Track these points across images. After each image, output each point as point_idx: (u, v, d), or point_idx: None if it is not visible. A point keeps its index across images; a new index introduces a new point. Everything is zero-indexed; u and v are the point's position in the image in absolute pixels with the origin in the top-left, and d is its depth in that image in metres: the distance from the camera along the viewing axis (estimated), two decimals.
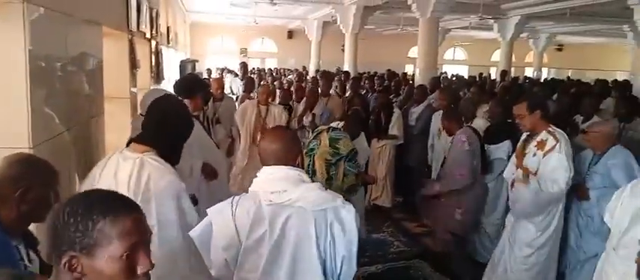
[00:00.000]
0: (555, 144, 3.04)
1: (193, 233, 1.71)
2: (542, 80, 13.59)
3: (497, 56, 14.17)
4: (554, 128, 3.16)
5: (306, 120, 5.39)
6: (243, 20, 15.51)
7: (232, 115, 5.15)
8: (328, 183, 3.08)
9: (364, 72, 11.73)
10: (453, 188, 3.79)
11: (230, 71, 9.95)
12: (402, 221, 5.30)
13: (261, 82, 10.04)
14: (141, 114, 2.89)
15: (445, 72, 17.35)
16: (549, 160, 3.05)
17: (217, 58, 17.86)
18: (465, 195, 3.80)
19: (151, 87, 5.05)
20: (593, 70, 19.08)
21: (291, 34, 20.00)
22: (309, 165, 3.20)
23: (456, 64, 22.67)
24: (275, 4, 10.17)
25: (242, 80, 8.17)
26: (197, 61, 12.33)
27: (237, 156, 5.03)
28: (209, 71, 12.56)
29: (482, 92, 6.82)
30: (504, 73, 11.90)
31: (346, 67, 11.16)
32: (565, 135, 3.15)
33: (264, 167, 1.76)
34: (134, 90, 4.30)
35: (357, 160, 3.35)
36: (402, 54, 19.85)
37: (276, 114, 5.07)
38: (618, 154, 3.23)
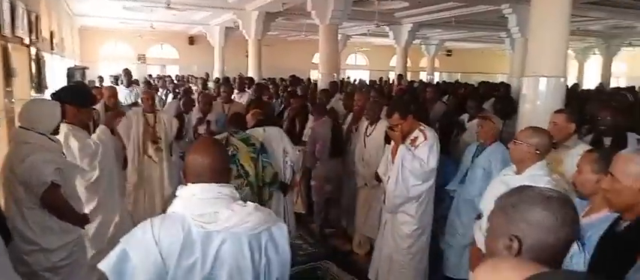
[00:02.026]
0: (424, 140, 3.39)
1: (105, 266, 1.47)
2: (434, 83, 14.66)
3: (394, 61, 14.99)
4: (425, 126, 3.54)
5: (201, 127, 5.22)
6: (139, 25, 14.68)
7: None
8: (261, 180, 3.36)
9: (265, 79, 11.75)
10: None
11: (116, 77, 9.27)
12: (310, 223, 5.38)
13: (161, 91, 9.60)
14: (21, 127, 2.63)
15: (348, 77, 18.01)
16: (418, 154, 3.41)
17: (112, 65, 16.70)
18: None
19: (32, 98, 4.58)
20: (479, 73, 21.03)
21: (192, 40, 19.34)
22: (238, 170, 3.24)
23: (357, 68, 23.59)
24: (171, 8, 9.77)
25: (127, 87, 7.74)
26: (87, 68, 11.40)
27: (128, 170, 4.66)
28: (101, 79, 11.73)
29: (381, 95, 7.17)
30: (400, 77, 12.66)
31: (250, 73, 11.07)
32: (433, 131, 3.56)
33: (189, 185, 1.58)
34: (12, 101, 3.87)
35: (267, 152, 3.55)
36: (306, 60, 20.19)
37: (166, 122, 4.82)
38: (498, 149, 3.59)
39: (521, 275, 0.62)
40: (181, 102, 5.90)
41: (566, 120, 3.04)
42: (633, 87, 12.63)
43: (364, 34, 15.37)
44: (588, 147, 3.06)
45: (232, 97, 6.48)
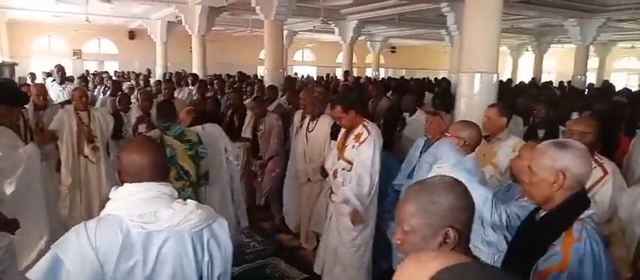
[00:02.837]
0: (368, 136, 3.45)
1: (35, 274, 1.40)
2: (379, 79, 15.01)
3: (341, 58, 15.18)
4: (368, 122, 3.59)
5: (142, 126, 5.06)
6: (74, 18, 13.91)
7: None
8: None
9: (211, 75, 11.51)
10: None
11: (49, 74, 8.78)
12: (258, 221, 5.36)
13: (98, 88, 9.19)
14: None
15: (296, 73, 18.02)
16: (363, 149, 3.45)
17: (45, 61, 15.72)
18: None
19: None
20: (423, 69, 21.72)
21: (132, 35, 18.56)
22: (178, 172, 3.18)
23: (305, 64, 23.65)
24: (109, 1, 9.34)
25: (60, 84, 7.35)
26: (16, 64, 10.67)
27: (62, 172, 4.45)
28: (33, 76, 11.02)
29: (328, 91, 7.24)
30: (347, 74, 12.84)
31: (195, 70, 10.80)
32: (376, 127, 3.63)
33: (126, 185, 1.53)
34: None
35: (203, 143, 3.52)
36: (254, 55, 19.98)
37: (101, 119, 4.64)
38: (444, 144, 3.73)
39: (443, 264, 0.66)
40: (117, 99, 5.68)
41: (498, 115, 3.22)
42: (562, 82, 13.55)
43: (310, 31, 15.42)
44: (518, 140, 3.27)
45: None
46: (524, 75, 19.17)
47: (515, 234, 1.82)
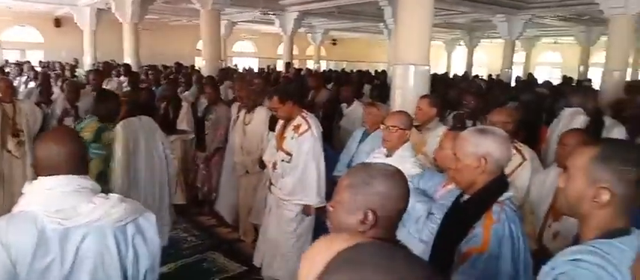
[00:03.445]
0: (307, 128, 3.46)
1: None
2: (321, 71, 15.09)
3: (282, 49, 15.10)
4: (307, 113, 3.59)
5: (69, 118, 4.78)
6: None
7: None
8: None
9: (146, 66, 11.04)
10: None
11: None
12: (196, 215, 5.23)
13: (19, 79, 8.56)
14: None
15: (235, 65, 17.71)
16: (304, 142, 3.45)
17: None
18: None
19: None
20: (364, 61, 22.07)
21: (59, 22, 17.35)
22: None
23: (245, 56, 23.29)
24: None
25: None
26: None
27: None
28: None
29: (267, 83, 7.18)
30: (288, 65, 12.81)
31: (126, 60, 10.29)
32: (315, 118, 3.63)
33: (41, 178, 1.45)
34: None
35: (103, 143, 3.28)
36: (192, 46, 19.35)
37: (29, 112, 4.37)
38: (380, 134, 3.81)
39: (349, 244, 0.67)
40: (38, 90, 5.32)
41: (428, 105, 3.34)
42: (490, 75, 14.32)
43: (250, 21, 15.20)
44: (447, 129, 3.42)
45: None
46: (458, 69, 20.06)
47: (442, 219, 1.90)
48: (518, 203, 2.68)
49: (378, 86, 6.67)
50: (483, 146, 1.69)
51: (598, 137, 3.19)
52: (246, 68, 15.29)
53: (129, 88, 6.52)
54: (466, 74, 15.01)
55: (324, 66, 21.29)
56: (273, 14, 12.96)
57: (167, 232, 4.29)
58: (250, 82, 5.62)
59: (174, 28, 18.73)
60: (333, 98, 6.21)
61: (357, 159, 3.73)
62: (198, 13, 8.36)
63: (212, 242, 4.59)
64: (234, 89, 5.90)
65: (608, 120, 3.63)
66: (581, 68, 15.42)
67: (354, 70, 13.56)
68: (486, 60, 23.92)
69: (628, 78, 11.40)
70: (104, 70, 7.47)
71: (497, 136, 1.71)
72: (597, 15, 8.22)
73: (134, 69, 8.93)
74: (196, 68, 10.55)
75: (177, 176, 5.22)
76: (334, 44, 24.46)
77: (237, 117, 4.78)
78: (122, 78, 7.78)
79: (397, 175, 1.29)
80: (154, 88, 7.25)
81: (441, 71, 16.09)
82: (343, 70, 15.68)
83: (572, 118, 3.22)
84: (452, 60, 22.45)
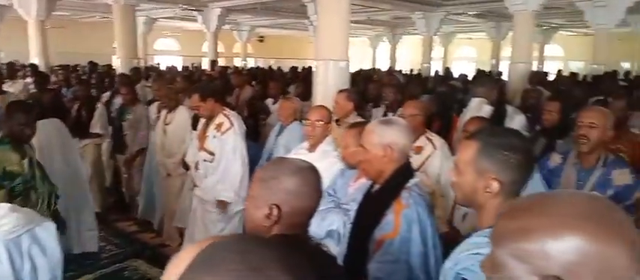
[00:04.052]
0: (230, 126, 3.44)
1: None
2: (247, 69, 14.90)
3: (207, 47, 14.69)
4: (229, 111, 3.57)
5: None
6: None
7: None
8: None
9: (57, 66, 10.28)
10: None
11: None
12: (115, 222, 4.97)
13: None
14: None
15: (158, 63, 16.98)
16: (226, 140, 3.43)
17: None
18: None
19: None
20: (292, 58, 22.04)
21: None
22: None
23: (169, 54, 22.42)
24: None
25: None
26: None
27: None
28: None
29: (189, 82, 6.97)
30: (213, 63, 12.51)
31: (33, 60, 9.48)
32: (238, 116, 3.62)
33: None
34: None
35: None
36: (108, 44, 18.22)
37: None
38: (296, 128, 3.85)
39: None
40: None
41: (345, 99, 3.43)
42: (412, 70, 14.96)
43: (172, 18, 14.65)
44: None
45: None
46: (383, 64, 20.71)
47: (356, 210, 1.97)
48: (429, 189, 2.85)
49: (302, 82, 6.73)
50: (388, 136, 1.77)
51: (500, 125, 3.46)
52: (170, 67, 14.71)
53: (36, 90, 6.04)
54: (390, 69, 15.54)
55: (251, 63, 21.04)
56: (195, 10, 12.56)
57: (95, 236, 4.08)
58: (170, 81, 5.43)
59: (88, 25, 17.56)
60: (257, 95, 6.18)
61: (276, 152, 3.75)
62: (110, 9, 7.91)
63: (134, 250, 4.38)
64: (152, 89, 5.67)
65: (510, 109, 3.93)
66: (494, 62, 16.53)
67: (283, 68, 13.58)
68: (409, 55, 24.94)
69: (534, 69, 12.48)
70: (8, 71, 6.82)
71: (400, 125, 1.81)
72: (504, 11, 8.84)
73: (42, 69, 8.27)
74: (114, 68, 9.99)
75: (91, 182, 4.96)
76: (261, 41, 24.25)
77: (158, 117, 4.61)
78: (28, 79, 7.19)
79: (306, 171, 1.29)
80: (65, 90, 6.80)
81: (367, 66, 16.56)
82: (270, 67, 15.59)
83: (479, 108, 3.47)
84: (376, 56, 23.14)
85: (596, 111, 2.39)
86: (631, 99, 4.90)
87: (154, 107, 4.79)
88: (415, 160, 2.96)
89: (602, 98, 4.75)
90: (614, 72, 9.73)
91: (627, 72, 11.97)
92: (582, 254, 0.64)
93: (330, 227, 2.24)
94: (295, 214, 1.25)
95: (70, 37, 16.37)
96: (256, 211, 1.25)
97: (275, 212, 1.22)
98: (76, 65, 11.17)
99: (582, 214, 0.66)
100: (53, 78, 7.78)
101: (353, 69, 14.37)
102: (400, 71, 13.66)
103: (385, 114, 4.49)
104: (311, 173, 1.29)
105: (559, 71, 13.11)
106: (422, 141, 3.01)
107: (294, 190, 1.24)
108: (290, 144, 3.77)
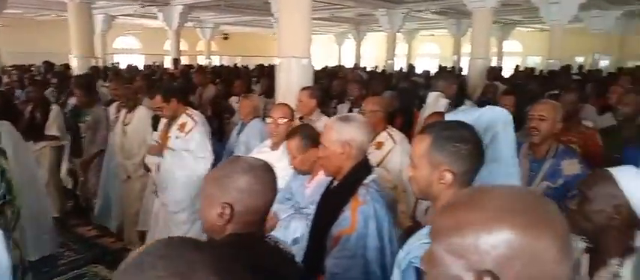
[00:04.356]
0: (194, 125, 3.40)
1: None
2: (211, 67, 14.67)
3: (169, 45, 14.35)
4: (192, 110, 3.54)
5: None
6: None
7: None
8: None
9: (10, 66, 9.83)
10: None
11: None
12: (74, 227, 4.81)
13: None
14: None
15: (117, 62, 16.50)
16: (193, 137, 3.39)
17: None
18: None
19: None
20: (258, 56, 21.83)
21: None
22: None
23: (130, 52, 21.81)
24: None
25: None
26: None
27: None
28: None
29: (148, 81, 6.79)
30: (176, 62, 12.24)
31: None
32: (202, 116, 3.58)
33: None
34: None
35: None
36: (65, 43, 17.55)
37: None
38: (256, 125, 3.83)
39: None
40: None
41: (308, 97, 3.43)
42: (376, 67, 15.11)
43: (131, 15, 14.24)
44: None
45: None
46: (349, 61, 20.83)
47: (316, 208, 1.97)
48: (391, 185, 2.89)
49: (266, 79, 6.69)
50: (346, 132, 1.79)
51: None
52: (129, 65, 14.30)
53: None
54: (355, 66, 15.65)
55: (216, 61, 20.73)
56: (155, 6, 12.22)
57: (55, 238, 3.91)
58: (129, 80, 5.29)
59: (44, 23, 16.85)
60: (221, 94, 6.10)
61: (236, 150, 3.73)
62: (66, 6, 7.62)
63: (94, 255, 4.25)
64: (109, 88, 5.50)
65: (467, 103, 4.03)
66: (455, 58, 16.93)
67: (249, 65, 13.44)
68: (374, 52, 25.18)
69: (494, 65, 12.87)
70: None
71: (358, 122, 1.82)
72: (463, 8, 9.05)
73: None
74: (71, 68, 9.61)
75: (48, 186, 4.77)
76: (226, 39, 23.93)
77: (117, 117, 4.48)
78: None
79: (258, 169, 1.28)
80: (20, 91, 6.50)
81: (333, 63, 16.62)
82: (236, 65, 15.40)
83: (436, 102, 3.54)
84: (342, 53, 23.25)
85: (545, 104, 2.48)
86: (582, 93, 5.14)
87: (113, 107, 4.65)
88: (376, 156, 3.01)
89: (556, 92, 4.94)
90: (568, 67, 10.14)
91: (580, 67, 12.48)
92: (513, 248, 0.65)
93: (294, 235, 2.23)
94: (249, 212, 1.24)
95: (22, 36, 15.67)
96: (210, 210, 1.24)
97: (227, 211, 1.21)
98: (31, 65, 10.68)
99: (513, 208, 0.67)
100: (5, 80, 7.45)
101: (319, 66, 14.50)
102: (364, 68, 13.78)
103: (350, 110, 4.53)
104: (264, 171, 1.28)
105: (516, 66, 13.57)
106: (383, 136, 3.05)
107: (247, 188, 1.23)
108: (250, 141, 3.74)
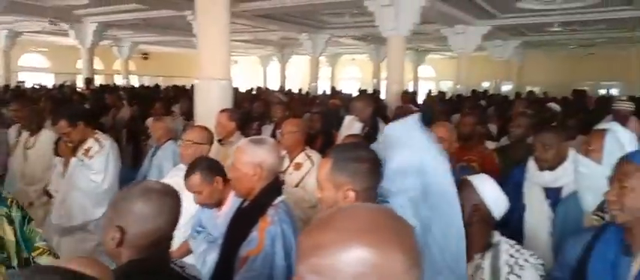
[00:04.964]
0: (99, 148, 3.26)
1: None
2: (129, 87, 14.05)
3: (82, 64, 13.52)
4: (100, 134, 3.40)
5: None
6: None
7: None
8: None
9: None
10: None
11: None
12: None
13: None
14: None
15: (23, 81, 15.30)
16: (95, 161, 3.24)
17: None
18: None
19: None
20: (181, 76, 21.20)
21: None
22: None
23: (37, 71, 20.26)
24: None
25: None
26: None
27: None
28: None
29: (54, 102, 6.37)
30: (88, 81, 11.59)
31: None
32: (109, 139, 3.44)
33: None
34: None
35: None
36: None
37: None
38: (169, 148, 3.73)
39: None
40: None
41: (227, 119, 3.42)
42: (300, 89, 15.34)
43: (39, 32, 13.29)
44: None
45: None
46: (274, 83, 20.93)
47: (227, 227, 1.97)
48: (310, 204, 2.96)
49: (186, 101, 6.57)
50: (258, 155, 1.83)
51: (372, 140, 3.72)
52: (35, 85, 13.26)
53: None
54: (281, 88, 15.77)
55: (134, 81, 19.85)
56: (67, 24, 11.50)
57: None
58: (33, 101, 4.93)
59: None
60: (137, 115, 5.87)
61: (150, 174, 3.61)
62: None
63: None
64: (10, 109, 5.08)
65: (381, 125, 4.25)
66: (375, 81, 17.67)
67: (170, 86, 13.02)
68: (298, 75, 25.53)
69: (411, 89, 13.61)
70: None
71: (270, 145, 1.87)
72: (380, 35, 9.53)
73: None
74: None
75: None
76: (146, 59, 23.04)
77: (17, 141, 4.14)
78: None
79: (155, 194, 1.25)
80: None
81: (258, 85, 16.60)
82: (157, 85, 14.87)
83: (350, 125, 3.71)
84: (267, 75, 23.33)
85: (442, 126, 2.70)
86: (484, 115, 5.64)
87: (13, 130, 4.30)
88: (294, 176, 3.07)
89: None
90: (475, 92, 11.03)
91: (485, 92, 13.60)
92: (367, 265, 0.69)
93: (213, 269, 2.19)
94: (146, 236, 1.22)
95: None
96: (107, 233, 1.23)
97: (117, 234, 1.20)
98: None
99: (364, 227, 0.72)
100: None
101: (244, 88, 14.41)
102: (283, 90, 13.93)
103: (273, 132, 4.56)
104: (161, 195, 1.26)
105: (429, 91, 14.50)
106: (301, 157, 3.12)
107: (139, 212, 1.22)
108: (163, 164, 3.62)
